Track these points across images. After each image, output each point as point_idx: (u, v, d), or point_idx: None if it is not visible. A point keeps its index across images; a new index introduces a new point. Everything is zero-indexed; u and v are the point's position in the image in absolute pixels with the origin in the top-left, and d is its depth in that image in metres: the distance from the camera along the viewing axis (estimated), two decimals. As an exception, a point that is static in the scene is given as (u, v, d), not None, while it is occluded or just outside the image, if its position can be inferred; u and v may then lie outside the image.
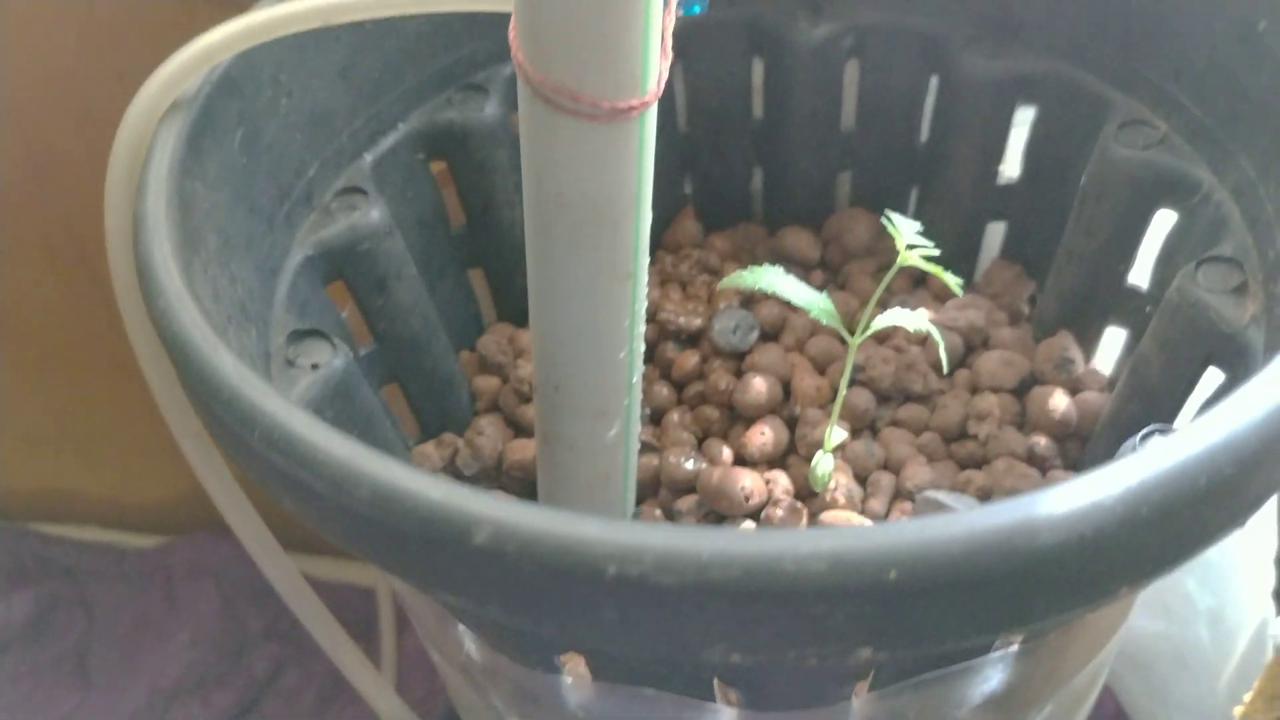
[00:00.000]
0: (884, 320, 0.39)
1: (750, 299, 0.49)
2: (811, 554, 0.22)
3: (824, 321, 0.38)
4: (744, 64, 0.50)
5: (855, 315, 0.49)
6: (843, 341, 0.42)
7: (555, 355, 0.37)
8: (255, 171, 0.38)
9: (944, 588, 0.23)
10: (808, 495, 0.43)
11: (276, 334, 0.38)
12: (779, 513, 0.42)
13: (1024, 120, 0.47)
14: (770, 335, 0.49)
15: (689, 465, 0.44)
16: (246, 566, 0.43)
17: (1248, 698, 0.54)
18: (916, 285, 0.51)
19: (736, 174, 0.53)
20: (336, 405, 0.37)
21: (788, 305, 0.39)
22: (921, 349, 0.46)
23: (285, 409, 0.26)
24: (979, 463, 0.44)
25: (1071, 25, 0.44)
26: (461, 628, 0.36)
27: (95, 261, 0.63)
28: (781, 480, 0.43)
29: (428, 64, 0.45)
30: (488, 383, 0.49)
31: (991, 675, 0.34)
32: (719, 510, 0.43)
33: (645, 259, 0.36)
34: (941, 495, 0.41)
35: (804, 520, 0.42)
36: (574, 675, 0.34)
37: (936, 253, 0.38)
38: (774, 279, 0.38)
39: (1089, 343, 0.46)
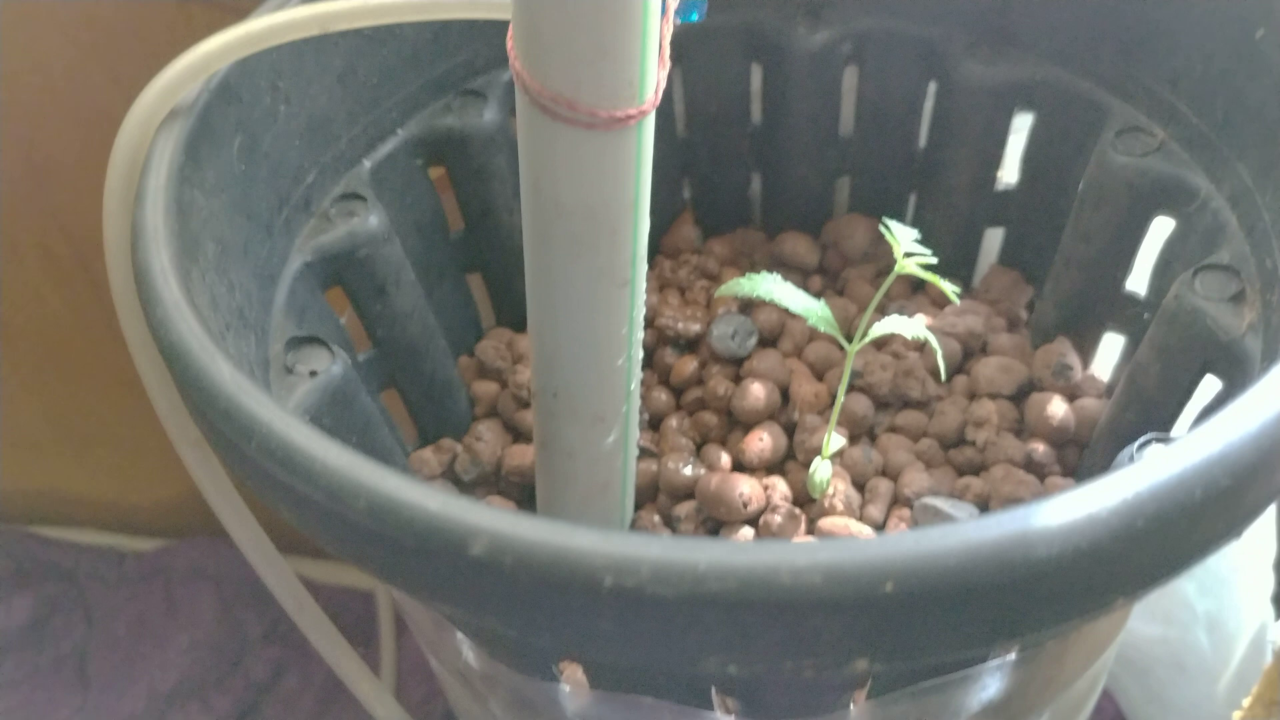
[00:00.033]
0: (882, 328, 0.39)
1: (749, 304, 0.49)
2: (808, 566, 0.22)
3: (821, 329, 0.38)
4: (742, 69, 0.50)
5: (854, 321, 0.49)
6: (841, 347, 0.42)
7: (553, 362, 0.37)
8: (254, 178, 0.38)
9: (940, 600, 0.23)
10: (806, 501, 0.43)
11: (275, 340, 0.38)
12: (777, 519, 0.42)
13: (1022, 126, 0.47)
14: (769, 341, 0.49)
15: (687, 471, 0.44)
16: (246, 570, 0.43)
17: (1246, 702, 0.54)
18: (915, 290, 0.51)
19: (735, 179, 0.53)
20: (335, 412, 0.37)
21: (786, 311, 0.39)
22: (920, 355, 0.46)
23: (282, 419, 0.26)
24: (977, 469, 0.44)
25: (1069, 32, 0.44)
26: (459, 635, 0.37)
27: (94, 265, 0.63)
28: (780, 486, 0.43)
29: (427, 70, 0.45)
30: (486, 388, 0.49)
31: (990, 683, 0.34)
32: (717, 516, 0.43)
33: (644, 266, 0.36)
34: (939, 502, 0.41)
35: (802, 527, 0.42)
36: (572, 683, 0.34)
37: (934, 260, 0.38)
38: (772, 287, 0.38)
39: (1087, 349, 0.46)
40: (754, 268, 0.53)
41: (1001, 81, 0.46)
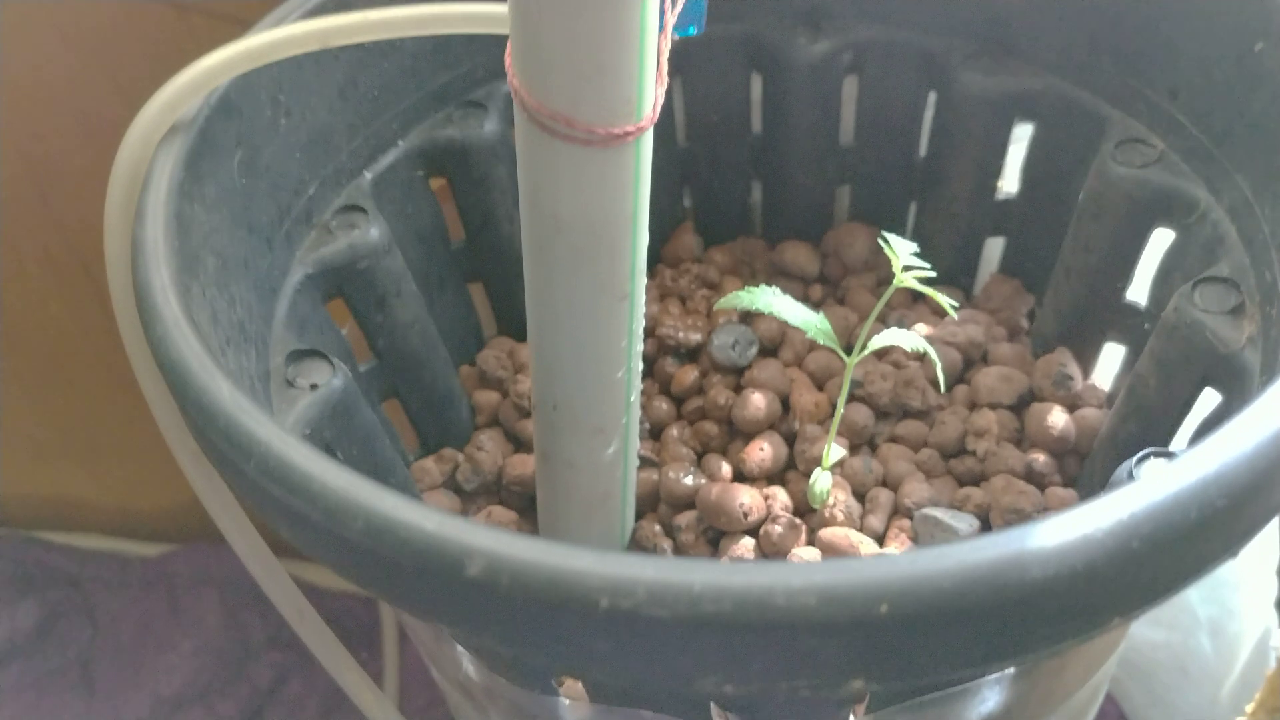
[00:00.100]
0: (881, 340, 0.39)
1: (749, 314, 0.49)
2: (803, 587, 0.23)
3: (820, 342, 0.39)
4: (743, 79, 0.50)
5: (854, 330, 0.49)
6: (841, 359, 0.42)
7: (553, 374, 0.38)
8: (254, 192, 0.38)
9: (935, 621, 0.23)
10: (807, 511, 0.43)
11: (275, 353, 0.38)
12: (777, 529, 0.42)
13: (1022, 136, 0.47)
14: (769, 350, 0.49)
15: (688, 481, 0.44)
16: (249, 575, 0.44)
17: (1250, 708, 0.54)
18: (916, 299, 0.51)
19: (736, 188, 0.53)
20: (336, 425, 0.38)
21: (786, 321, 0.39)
22: (920, 365, 0.47)
23: (281, 438, 0.27)
24: (977, 479, 0.44)
25: (1069, 43, 0.44)
26: (459, 648, 0.37)
27: (97, 271, 0.63)
28: (780, 496, 0.43)
29: (427, 81, 0.45)
30: (488, 397, 0.49)
31: (989, 696, 0.34)
32: (718, 526, 0.43)
33: (643, 280, 0.36)
34: (939, 513, 0.41)
35: (803, 537, 0.42)
36: (571, 696, 0.34)
37: (933, 274, 0.38)
38: (771, 299, 0.38)
39: (1087, 359, 0.46)
40: (754, 277, 0.53)
41: (1001, 92, 0.46)
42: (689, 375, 0.48)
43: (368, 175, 0.44)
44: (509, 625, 0.24)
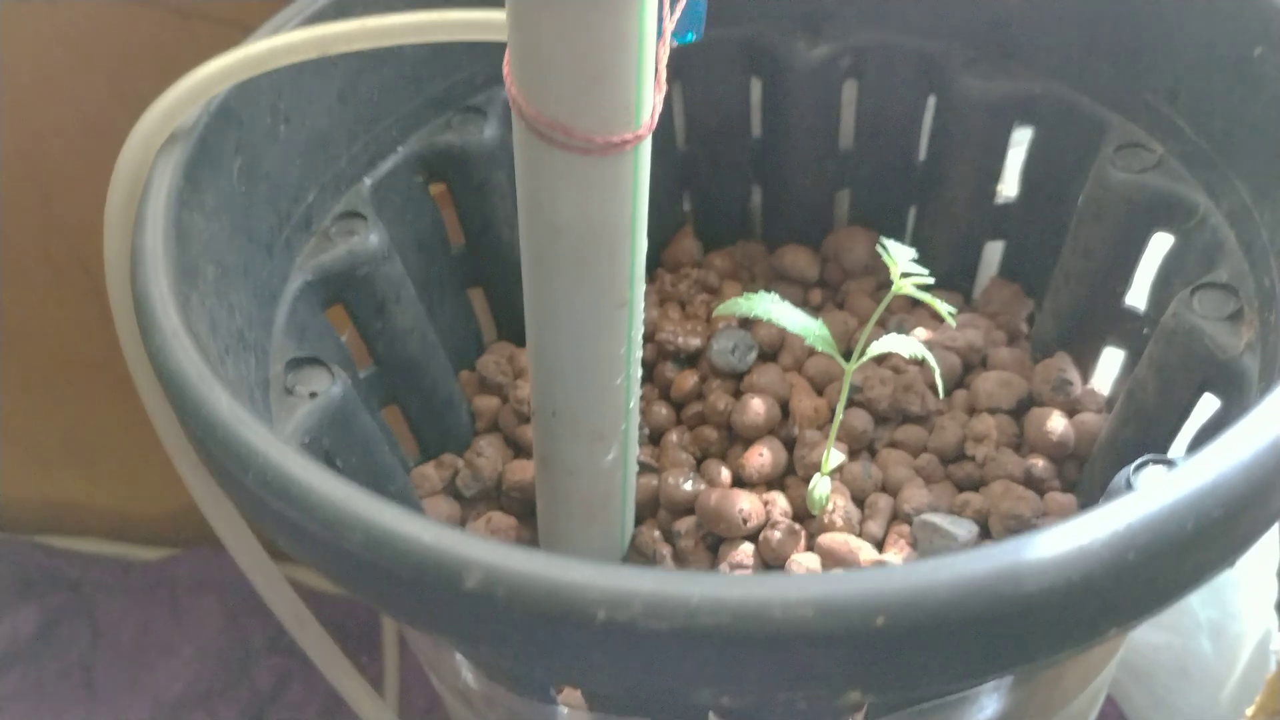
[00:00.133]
0: (880, 347, 0.39)
1: (749, 319, 0.49)
2: (800, 600, 0.23)
3: (819, 348, 0.39)
4: (742, 83, 0.50)
5: (854, 334, 0.49)
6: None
7: (552, 381, 0.38)
8: (254, 199, 0.38)
9: (932, 633, 0.23)
10: (806, 517, 0.43)
11: (275, 361, 0.38)
12: (777, 535, 0.42)
13: (1022, 140, 0.47)
14: (769, 355, 0.49)
15: (687, 486, 0.44)
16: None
17: (1250, 711, 0.54)
18: (915, 303, 0.51)
19: (735, 192, 0.53)
20: (335, 433, 0.38)
21: (785, 326, 0.39)
22: (919, 370, 0.47)
23: (280, 450, 0.27)
24: (976, 484, 0.44)
25: (1068, 48, 0.44)
26: (458, 656, 0.37)
27: (97, 276, 0.63)
28: (780, 502, 0.43)
29: (426, 87, 0.45)
30: (487, 402, 0.49)
31: (987, 704, 0.34)
32: (717, 532, 0.43)
33: (641, 286, 0.36)
34: (938, 519, 0.41)
35: (802, 542, 0.42)
36: (570, 705, 0.34)
37: (931, 281, 0.38)
38: (770, 306, 0.38)
39: (1087, 363, 0.46)
40: (754, 281, 0.53)
41: (1001, 96, 0.46)
42: (688, 380, 0.48)
43: (367, 181, 0.44)
44: (506, 637, 0.24)
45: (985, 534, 0.42)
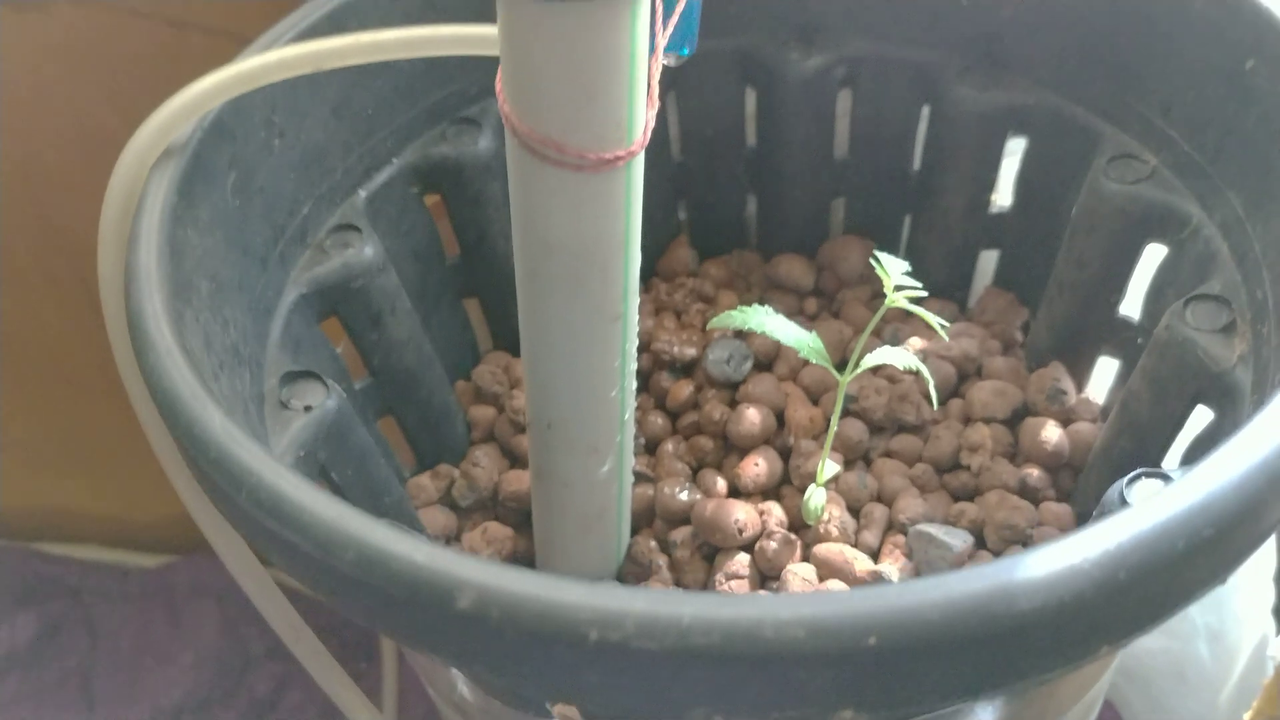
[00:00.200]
0: (874, 359, 0.39)
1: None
2: (791, 620, 0.23)
3: (813, 360, 0.39)
4: (737, 93, 0.50)
5: (849, 343, 0.49)
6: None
7: (547, 394, 0.38)
8: (248, 214, 0.38)
9: (924, 653, 0.23)
10: (801, 527, 0.43)
11: (270, 375, 0.38)
12: (772, 545, 0.42)
13: (1017, 150, 0.47)
14: (764, 365, 0.49)
15: (683, 496, 0.44)
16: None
17: (1247, 716, 0.54)
18: (910, 312, 0.51)
19: (730, 201, 0.53)
20: (330, 446, 0.38)
21: (779, 336, 0.39)
22: (914, 379, 0.47)
23: (273, 469, 0.27)
24: (971, 494, 0.44)
25: (1061, 59, 0.44)
26: (454, 670, 0.37)
27: (94, 285, 0.63)
28: (775, 512, 0.43)
29: (421, 99, 0.45)
30: (483, 413, 0.49)
31: (982, 716, 0.34)
32: (713, 542, 0.43)
33: (635, 300, 0.36)
34: (933, 529, 0.41)
35: (798, 552, 0.42)
36: (565, 719, 0.34)
37: (924, 294, 0.38)
38: (764, 319, 0.38)
39: (1081, 372, 0.46)
40: (750, 290, 0.53)
41: (994, 106, 0.46)
42: (684, 390, 0.48)
43: (362, 194, 0.44)
44: (499, 656, 0.25)
45: (980, 544, 0.42)
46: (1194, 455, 0.39)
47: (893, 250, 0.53)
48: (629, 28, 0.29)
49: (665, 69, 0.33)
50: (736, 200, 0.53)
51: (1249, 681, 0.60)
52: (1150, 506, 0.24)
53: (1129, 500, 0.32)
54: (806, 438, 0.45)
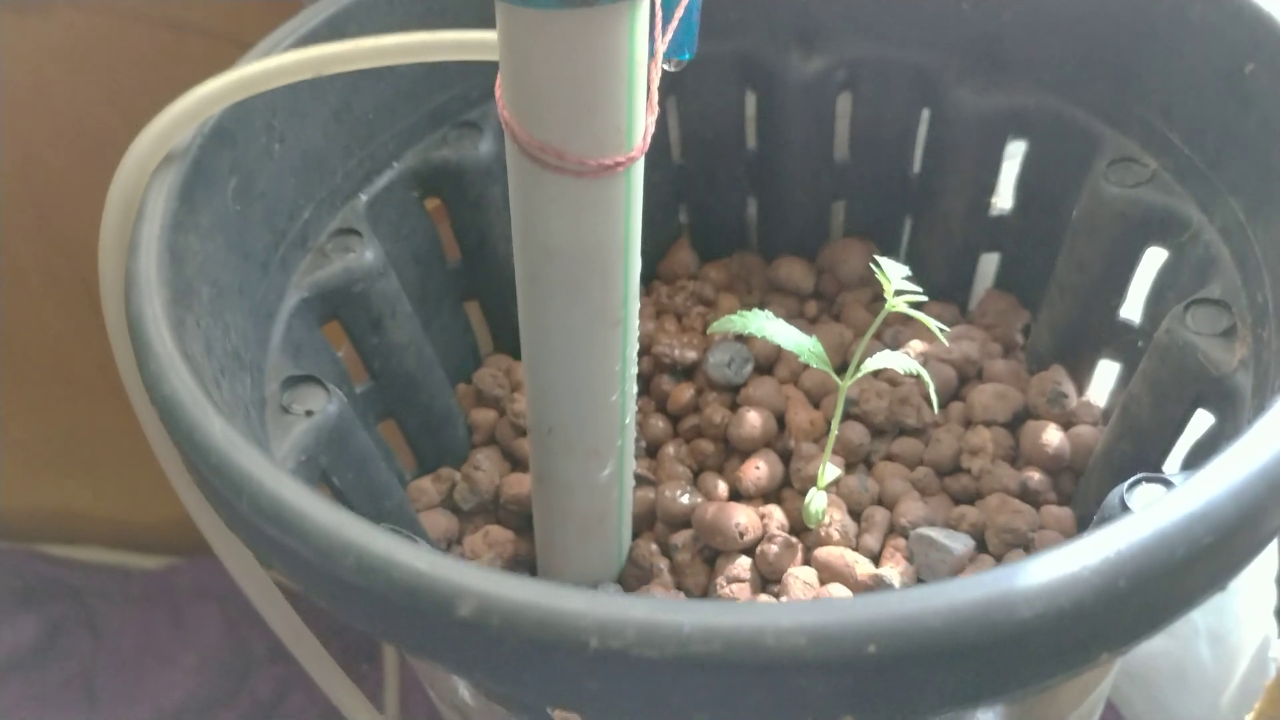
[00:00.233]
0: (874, 363, 0.39)
1: (745, 331, 0.50)
2: (792, 628, 0.23)
3: (813, 365, 0.39)
4: (737, 96, 0.50)
5: (850, 346, 0.49)
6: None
7: (547, 399, 0.38)
8: (249, 219, 0.38)
9: (924, 660, 0.23)
10: (802, 530, 0.43)
11: (271, 380, 0.38)
12: (773, 549, 0.42)
13: (1017, 152, 0.47)
14: (765, 368, 0.49)
15: (684, 500, 0.44)
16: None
17: (1249, 718, 0.54)
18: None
19: (731, 204, 0.53)
20: (331, 451, 0.38)
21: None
22: (915, 382, 0.47)
23: (274, 476, 0.27)
24: (972, 497, 0.44)
25: (1061, 62, 0.44)
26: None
27: (95, 286, 0.63)
28: (776, 515, 0.43)
29: (422, 103, 0.45)
30: (484, 415, 0.49)
31: (982, 720, 0.34)
32: (714, 546, 0.43)
33: (635, 305, 0.36)
34: (935, 533, 0.41)
35: (799, 556, 0.42)
36: (566, 724, 0.34)
37: (924, 298, 0.38)
38: (764, 323, 0.38)
39: (1082, 375, 0.46)
40: (750, 292, 0.53)
41: (994, 109, 0.46)
42: (685, 393, 0.48)
43: (363, 197, 0.44)
44: (500, 663, 0.25)
45: (981, 547, 0.42)
46: (1195, 459, 0.39)
47: (893, 253, 0.53)
48: (628, 34, 0.29)
49: (665, 73, 0.33)
50: (737, 203, 0.53)
51: (1251, 683, 0.60)
52: (1150, 513, 0.24)
53: (1130, 505, 0.32)
54: (807, 441, 0.45)
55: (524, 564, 0.45)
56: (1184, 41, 0.39)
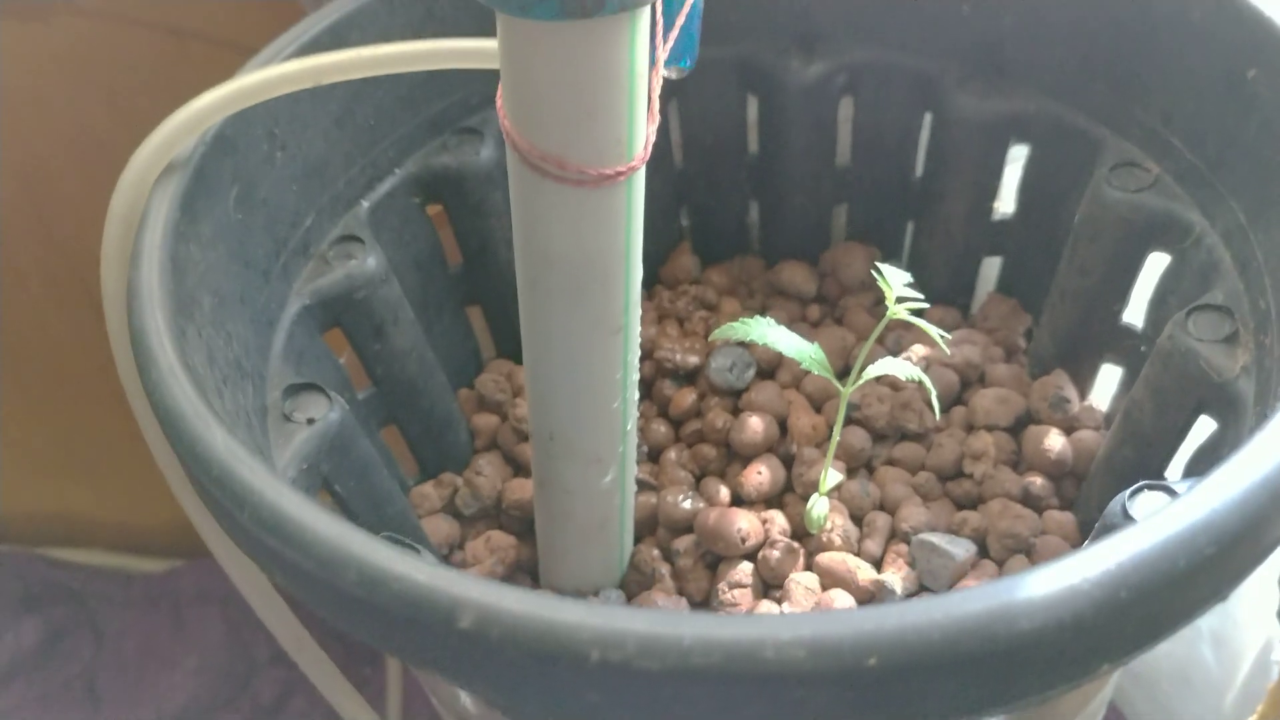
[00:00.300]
0: (876, 369, 0.39)
1: (747, 336, 0.50)
2: (792, 640, 0.23)
3: (815, 371, 0.39)
4: (738, 101, 0.50)
5: (852, 350, 0.49)
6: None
7: (549, 405, 0.38)
8: (251, 227, 0.38)
9: (924, 673, 0.23)
10: (804, 535, 0.43)
11: (273, 387, 0.38)
12: (775, 554, 0.42)
13: (1019, 157, 0.47)
14: (767, 373, 0.49)
15: (686, 505, 0.44)
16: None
17: (1252, 720, 0.54)
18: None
19: (733, 208, 0.53)
20: (333, 458, 0.38)
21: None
22: (917, 386, 0.47)
23: (275, 488, 0.27)
24: (974, 502, 0.44)
25: (1062, 67, 0.44)
26: (457, 682, 0.37)
27: (97, 290, 0.64)
28: (778, 520, 0.43)
29: (423, 109, 0.45)
30: (486, 421, 0.49)
31: (983, 727, 0.34)
32: (716, 551, 0.43)
33: (637, 312, 0.36)
34: (936, 538, 0.41)
35: (800, 561, 0.42)
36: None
37: (925, 305, 0.38)
38: (765, 330, 0.38)
39: (1084, 380, 0.46)
40: (752, 296, 0.53)
41: (996, 114, 0.46)
42: (687, 398, 0.48)
43: (364, 204, 0.44)
44: (501, 675, 0.25)
45: (983, 553, 0.42)
46: (1197, 465, 0.39)
47: (895, 257, 0.53)
48: (628, 44, 0.29)
49: (666, 81, 0.33)
50: (739, 207, 0.53)
51: (1253, 685, 0.60)
52: (1151, 524, 0.24)
53: (1132, 513, 0.32)
54: (809, 446, 0.45)
55: (526, 569, 0.45)
56: (1185, 46, 0.39)
